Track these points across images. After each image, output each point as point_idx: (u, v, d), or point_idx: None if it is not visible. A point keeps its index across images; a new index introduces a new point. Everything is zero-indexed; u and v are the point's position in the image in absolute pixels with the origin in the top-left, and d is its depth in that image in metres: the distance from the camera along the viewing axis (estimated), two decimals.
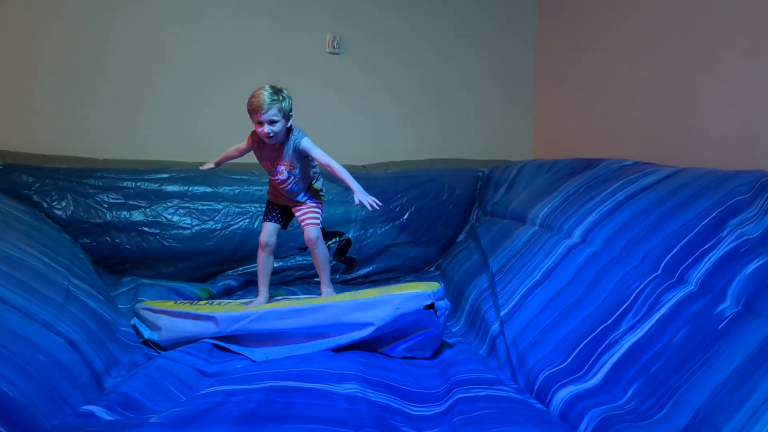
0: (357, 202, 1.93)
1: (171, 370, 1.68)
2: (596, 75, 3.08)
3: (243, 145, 2.10)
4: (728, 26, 2.21)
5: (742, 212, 1.63)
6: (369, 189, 3.14)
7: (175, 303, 2.23)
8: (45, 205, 2.69)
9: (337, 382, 1.52)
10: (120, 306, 2.30)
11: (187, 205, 2.89)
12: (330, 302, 1.89)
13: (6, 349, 1.33)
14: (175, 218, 2.86)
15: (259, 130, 1.92)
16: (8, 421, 1.18)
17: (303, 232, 2.09)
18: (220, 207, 2.92)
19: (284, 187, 2.07)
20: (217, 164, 2.19)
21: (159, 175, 2.92)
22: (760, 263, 1.42)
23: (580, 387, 1.51)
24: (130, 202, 2.83)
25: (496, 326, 2.03)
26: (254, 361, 1.86)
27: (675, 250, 1.66)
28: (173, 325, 2.04)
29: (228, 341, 1.96)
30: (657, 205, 1.89)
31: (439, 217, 3.26)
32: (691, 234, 1.67)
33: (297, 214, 2.11)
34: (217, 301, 2.23)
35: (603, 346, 1.58)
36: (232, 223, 2.92)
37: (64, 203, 2.73)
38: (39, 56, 2.94)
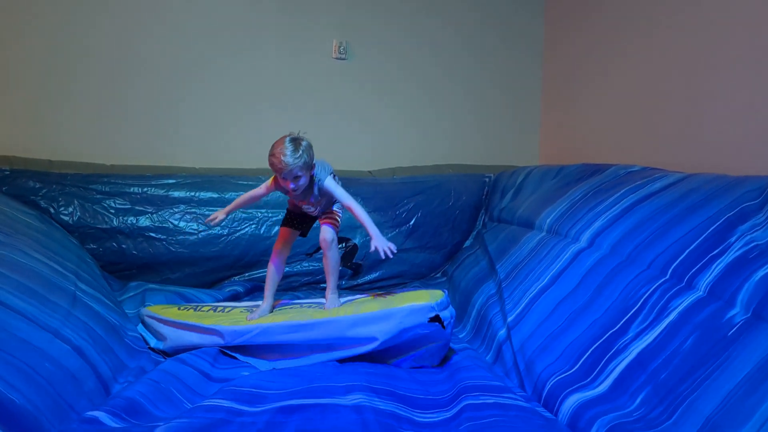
0: (373, 248, 1.88)
1: (176, 374, 1.68)
2: (602, 81, 3.07)
3: (261, 190, 2.05)
4: (736, 31, 2.20)
5: (751, 218, 1.62)
6: (375, 195, 3.20)
7: (179, 309, 2.22)
8: (52, 210, 2.70)
9: (343, 394, 1.51)
10: (127, 311, 2.31)
11: (193, 210, 2.89)
12: (333, 317, 1.86)
13: (12, 356, 1.33)
14: (182, 224, 2.86)
15: (283, 185, 1.92)
16: (14, 428, 1.17)
17: (320, 232, 2.07)
18: None
19: (309, 212, 2.12)
20: (227, 213, 2.10)
21: (165, 181, 2.93)
22: None
23: (589, 394, 1.50)
24: (136, 207, 2.83)
25: (503, 332, 2.02)
26: (261, 370, 1.86)
27: (683, 256, 1.65)
28: (178, 336, 2.03)
29: (235, 350, 1.96)
30: (665, 210, 1.88)
31: (446, 223, 3.25)
32: (700, 239, 1.66)
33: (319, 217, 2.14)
34: (221, 307, 2.21)
35: (611, 352, 1.57)
36: (239, 228, 2.92)
37: (71, 209, 2.74)
38: (46, 62, 2.96)
